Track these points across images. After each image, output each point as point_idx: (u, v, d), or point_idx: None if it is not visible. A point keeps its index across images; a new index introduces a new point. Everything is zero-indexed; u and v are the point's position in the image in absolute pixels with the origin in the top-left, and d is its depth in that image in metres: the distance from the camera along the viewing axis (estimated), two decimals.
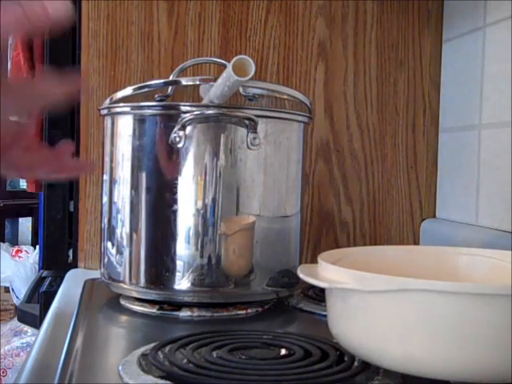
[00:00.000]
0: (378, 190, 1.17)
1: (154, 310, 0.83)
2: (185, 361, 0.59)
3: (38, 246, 3.04)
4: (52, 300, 0.99)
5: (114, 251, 0.87)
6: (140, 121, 0.85)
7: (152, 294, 0.84)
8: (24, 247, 3.44)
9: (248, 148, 0.82)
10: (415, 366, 0.53)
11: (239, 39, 1.13)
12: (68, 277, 1.10)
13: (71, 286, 1.03)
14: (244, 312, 0.83)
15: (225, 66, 0.81)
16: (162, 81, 1.02)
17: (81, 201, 1.12)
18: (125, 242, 0.85)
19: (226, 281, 0.82)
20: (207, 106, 0.83)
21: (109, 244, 0.88)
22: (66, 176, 0.62)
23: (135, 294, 0.85)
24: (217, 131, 0.82)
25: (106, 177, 0.89)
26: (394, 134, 1.17)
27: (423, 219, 1.18)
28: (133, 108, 0.86)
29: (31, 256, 3.20)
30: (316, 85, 1.15)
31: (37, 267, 2.90)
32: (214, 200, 0.82)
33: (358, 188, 1.17)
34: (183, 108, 0.82)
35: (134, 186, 0.84)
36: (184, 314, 0.82)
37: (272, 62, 1.14)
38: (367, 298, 0.54)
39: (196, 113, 0.81)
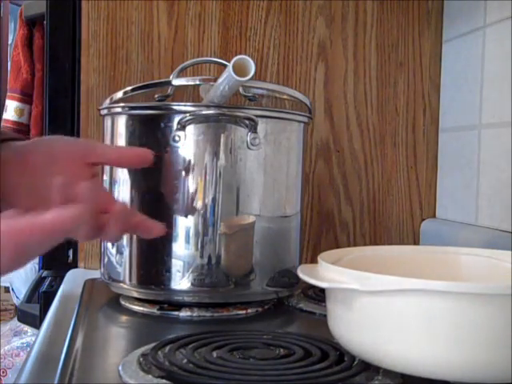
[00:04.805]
0: (378, 190, 1.17)
1: (154, 310, 0.83)
2: (185, 361, 0.59)
3: None
4: (52, 300, 0.99)
5: (113, 251, 0.87)
6: (140, 121, 0.85)
7: (152, 294, 0.84)
8: None
9: (248, 148, 0.82)
10: (415, 366, 0.53)
11: (239, 39, 1.13)
12: (68, 277, 1.10)
13: (71, 286, 1.03)
14: (244, 312, 0.83)
15: (225, 66, 0.81)
16: (161, 81, 1.02)
17: None
18: (125, 242, 0.85)
19: (226, 281, 0.82)
20: (207, 106, 0.83)
21: (109, 244, 0.88)
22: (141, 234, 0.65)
23: (135, 294, 0.85)
24: (217, 131, 0.82)
25: (105, 177, 0.89)
26: (394, 134, 1.17)
27: (423, 219, 1.18)
28: (133, 108, 0.86)
29: None
30: (316, 85, 1.15)
31: (37, 267, 2.90)
32: (213, 200, 0.82)
33: (358, 188, 1.17)
34: (183, 108, 0.82)
35: (134, 186, 0.84)
36: (184, 313, 0.82)
37: (272, 62, 1.14)
38: (367, 298, 0.54)
39: (196, 113, 0.81)
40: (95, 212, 0.56)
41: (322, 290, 0.61)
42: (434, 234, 1.14)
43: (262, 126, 0.83)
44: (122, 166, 0.71)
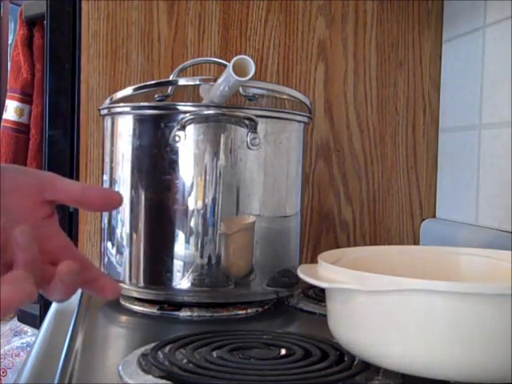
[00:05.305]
0: (378, 190, 1.17)
1: (154, 310, 0.83)
2: (185, 361, 0.59)
3: None
4: (52, 300, 0.99)
5: (113, 251, 0.87)
6: (140, 121, 0.85)
7: (152, 294, 0.84)
8: None
9: (248, 148, 0.82)
10: (415, 366, 0.53)
11: (239, 39, 1.13)
12: None
13: None
14: (244, 312, 0.83)
15: (225, 66, 0.81)
16: (162, 81, 1.02)
17: None
18: (125, 242, 0.85)
19: (226, 281, 0.82)
20: (207, 106, 0.83)
21: (109, 244, 0.88)
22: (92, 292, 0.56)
23: (135, 294, 0.85)
24: (217, 131, 0.82)
25: (105, 177, 0.89)
26: (394, 134, 1.17)
27: (423, 219, 1.18)
28: (133, 108, 0.86)
29: None
30: (316, 85, 1.15)
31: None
32: (214, 200, 0.82)
33: (358, 188, 1.17)
34: (183, 108, 0.82)
35: (134, 186, 0.84)
36: (184, 313, 0.82)
37: (272, 62, 1.14)
38: (367, 298, 0.54)
39: (196, 113, 0.81)
40: (37, 262, 0.48)
41: (322, 290, 0.61)
42: (433, 233, 1.14)
43: (261, 126, 0.83)
44: (84, 206, 0.56)
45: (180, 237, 0.82)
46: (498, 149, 0.99)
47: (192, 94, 1.01)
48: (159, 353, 0.61)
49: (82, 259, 0.54)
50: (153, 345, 0.63)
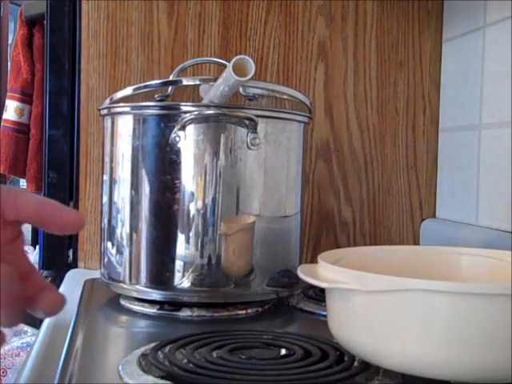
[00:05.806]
0: (378, 190, 1.17)
1: (154, 310, 0.83)
2: (185, 361, 0.59)
3: (37, 246, 3.03)
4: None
5: (113, 251, 0.87)
6: (140, 121, 0.85)
7: (152, 294, 0.84)
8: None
9: (248, 148, 0.82)
10: (415, 366, 0.53)
11: (239, 39, 1.13)
12: (68, 277, 1.10)
13: (71, 286, 1.03)
14: (244, 312, 0.83)
15: (225, 66, 0.81)
16: (162, 81, 1.02)
17: (81, 201, 1.12)
18: (125, 242, 0.85)
19: (226, 281, 0.82)
20: (207, 106, 0.83)
21: (109, 244, 0.88)
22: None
23: (135, 294, 0.85)
24: (217, 131, 0.82)
25: (105, 177, 0.89)
26: (394, 134, 1.17)
27: (423, 219, 1.18)
28: (133, 108, 0.86)
29: (31, 256, 3.19)
30: (316, 85, 1.15)
31: (37, 267, 2.89)
32: (213, 200, 0.82)
33: (358, 188, 1.17)
34: (183, 108, 0.82)
35: (134, 186, 0.84)
36: (184, 314, 0.82)
37: (272, 62, 1.14)
38: (367, 298, 0.54)
39: (196, 113, 0.81)
40: None
41: (322, 290, 0.61)
42: (434, 234, 1.14)
43: (261, 125, 0.83)
44: (39, 224, 0.47)
45: (180, 237, 0.82)
46: (498, 149, 0.99)
47: (192, 94, 1.01)
48: (159, 353, 0.61)
49: (46, 286, 0.48)
50: (153, 345, 0.63)
